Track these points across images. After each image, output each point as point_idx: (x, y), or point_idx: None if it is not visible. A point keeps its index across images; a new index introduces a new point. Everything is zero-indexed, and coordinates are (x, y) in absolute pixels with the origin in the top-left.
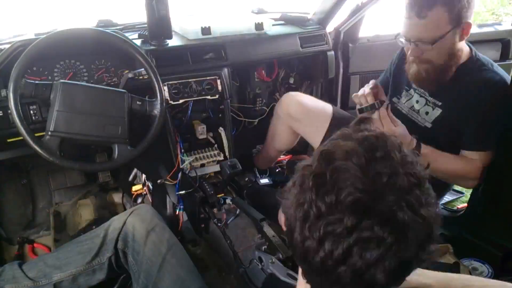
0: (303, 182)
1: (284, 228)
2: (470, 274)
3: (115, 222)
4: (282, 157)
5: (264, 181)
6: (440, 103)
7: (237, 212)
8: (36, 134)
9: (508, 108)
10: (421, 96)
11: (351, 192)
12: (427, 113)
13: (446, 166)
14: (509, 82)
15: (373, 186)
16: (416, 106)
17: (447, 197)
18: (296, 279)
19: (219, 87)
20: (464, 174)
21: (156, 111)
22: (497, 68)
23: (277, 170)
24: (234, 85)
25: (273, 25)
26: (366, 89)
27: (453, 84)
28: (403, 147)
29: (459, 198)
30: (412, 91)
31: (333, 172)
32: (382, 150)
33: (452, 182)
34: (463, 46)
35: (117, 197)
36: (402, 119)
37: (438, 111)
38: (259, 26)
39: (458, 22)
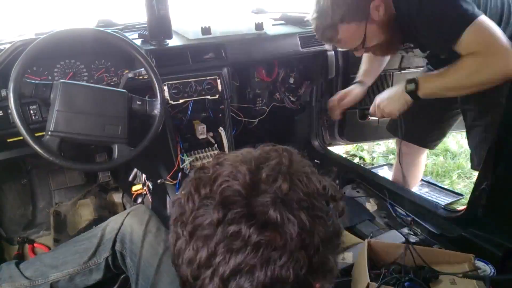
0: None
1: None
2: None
3: (112, 223)
4: None
5: None
6: (410, 45)
7: None
8: (36, 134)
9: None
10: (399, 54)
11: (225, 182)
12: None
13: (458, 74)
14: None
15: (250, 180)
16: (406, 62)
17: (447, 199)
18: None
19: (219, 87)
20: (481, 67)
21: (156, 111)
22: None
23: None
24: (234, 85)
25: (273, 25)
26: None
27: (403, 23)
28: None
29: (459, 200)
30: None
31: (216, 167)
32: (275, 158)
33: (487, 84)
34: (388, 7)
35: (117, 197)
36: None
37: (416, 51)
38: (259, 26)
39: (364, 13)
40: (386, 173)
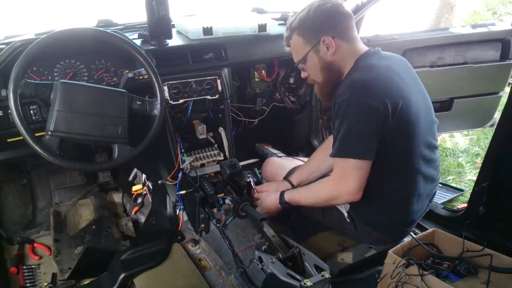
0: None
1: None
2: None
3: None
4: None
5: None
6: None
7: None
8: (36, 134)
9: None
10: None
11: None
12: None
13: (315, 194)
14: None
15: None
16: None
17: (447, 195)
18: (296, 279)
19: (219, 87)
20: (333, 191)
21: (156, 111)
22: (362, 70)
23: None
24: (234, 85)
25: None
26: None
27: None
28: None
29: (458, 196)
30: None
31: None
32: None
33: (331, 204)
34: (343, 62)
35: (117, 197)
36: None
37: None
38: (262, 27)
39: (315, 40)
40: None
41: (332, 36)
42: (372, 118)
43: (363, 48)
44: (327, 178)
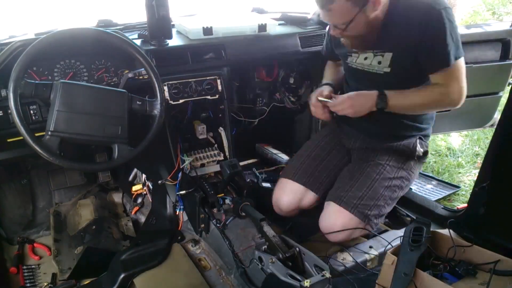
0: None
1: None
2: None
3: None
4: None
5: (266, 185)
6: (386, 48)
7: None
8: (36, 134)
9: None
10: (365, 52)
11: None
12: (379, 62)
13: (421, 98)
14: None
15: None
16: (367, 62)
17: (443, 192)
18: (296, 279)
19: (219, 87)
20: (443, 99)
21: (156, 111)
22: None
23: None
24: (234, 85)
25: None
26: (318, 111)
27: (387, 30)
28: None
29: (456, 192)
30: (354, 53)
31: None
32: None
33: (435, 110)
34: (384, 7)
35: (117, 197)
36: (361, 74)
37: (389, 55)
38: (262, 28)
39: (364, 2)
40: None
41: None
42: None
43: None
44: (436, 86)
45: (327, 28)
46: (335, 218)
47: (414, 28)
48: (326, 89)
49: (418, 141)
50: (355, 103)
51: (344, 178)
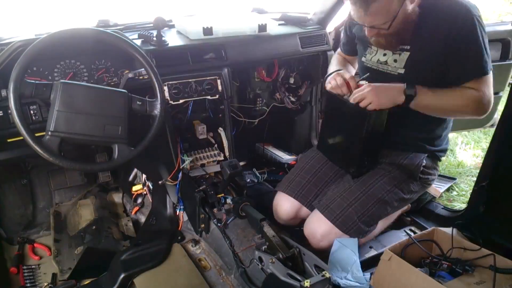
0: None
1: None
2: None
3: None
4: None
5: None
6: (407, 47)
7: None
8: (36, 134)
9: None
10: (385, 49)
11: None
12: (395, 60)
13: (453, 98)
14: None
15: None
16: (383, 58)
17: (441, 185)
18: (296, 279)
19: (219, 87)
20: (474, 103)
21: (156, 111)
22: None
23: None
24: (234, 85)
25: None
26: (339, 80)
27: (416, 27)
28: None
29: (453, 184)
30: (374, 47)
31: None
32: None
33: (460, 116)
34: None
35: (117, 197)
36: (373, 73)
37: (406, 55)
38: (262, 28)
39: None
40: None
41: None
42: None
43: None
44: (469, 89)
45: (343, 26)
46: (318, 226)
47: (444, 29)
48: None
49: (425, 159)
50: (379, 93)
51: (335, 187)
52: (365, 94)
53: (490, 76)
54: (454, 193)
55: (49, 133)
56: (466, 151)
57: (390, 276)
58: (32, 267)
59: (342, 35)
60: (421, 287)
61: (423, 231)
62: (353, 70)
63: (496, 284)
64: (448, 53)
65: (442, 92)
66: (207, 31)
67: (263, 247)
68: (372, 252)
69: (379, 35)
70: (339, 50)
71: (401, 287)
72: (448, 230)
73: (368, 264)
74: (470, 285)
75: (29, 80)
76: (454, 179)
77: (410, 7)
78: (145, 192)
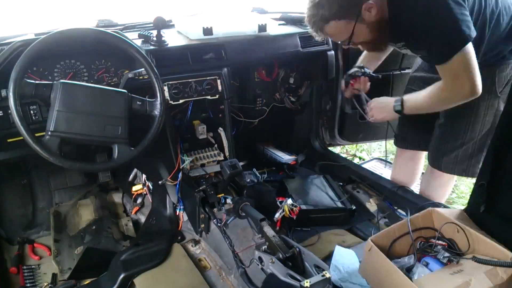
0: None
1: None
2: None
3: None
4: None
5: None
6: (402, 43)
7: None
8: (36, 134)
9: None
10: (397, 47)
11: None
12: (408, 53)
13: (428, 98)
14: None
15: None
16: (406, 62)
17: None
18: (296, 279)
19: (219, 87)
20: (446, 93)
21: (156, 111)
22: None
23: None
24: (234, 85)
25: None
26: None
27: (397, 22)
28: None
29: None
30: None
31: None
32: None
33: (454, 104)
34: (378, 9)
35: (117, 197)
36: None
37: (407, 50)
38: (262, 28)
39: (357, 12)
40: (372, 166)
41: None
42: None
43: None
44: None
45: None
46: None
47: (416, 15)
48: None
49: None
50: (376, 110)
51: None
52: (371, 113)
53: (458, 61)
54: (454, 195)
55: (49, 133)
56: None
57: (372, 266)
58: (32, 267)
59: None
60: (395, 282)
61: (420, 212)
62: (376, 64)
63: (481, 277)
64: (424, 37)
65: (423, 93)
66: (207, 31)
67: (263, 247)
68: None
69: (355, 46)
70: None
71: (381, 279)
72: (447, 211)
73: None
74: (444, 277)
75: (29, 80)
76: None
77: (371, 16)
78: (145, 192)
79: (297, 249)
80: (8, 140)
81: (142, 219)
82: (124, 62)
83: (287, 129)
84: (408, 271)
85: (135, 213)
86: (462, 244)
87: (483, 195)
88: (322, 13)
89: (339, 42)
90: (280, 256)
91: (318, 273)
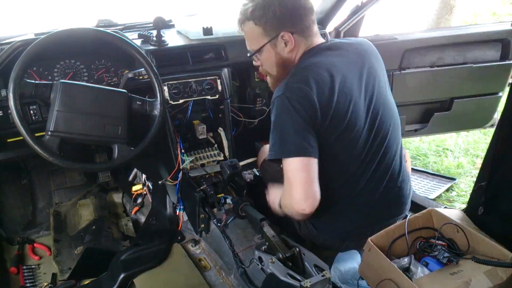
0: None
1: None
2: None
3: None
4: None
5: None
6: None
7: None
8: (36, 134)
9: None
10: None
11: None
12: None
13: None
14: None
15: None
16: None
17: (441, 185)
18: (296, 279)
19: (219, 87)
20: (288, 200)
21: (156, 111)
22: (297, 75)
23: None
24: (234, 85)
25: None
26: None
27: None
28: None
29: (452, 185)
30: None
31: None
32: None
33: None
34: (297, 58)
35: (117, 197)
36: None
37: None
38: None
39: (274, 34)
40: None
41: (291, 32)
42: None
43: (318, 42)
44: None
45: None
46: None
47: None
48: None
49: None
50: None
51: None
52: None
53: (306, 162)
54: (454, 193)
55: (49, 133)
56: (466, 151)
57: (372, 267)
58: (32, 267)
59: None
60: (395, 281)
61: (419, 213)
62: None
63: (480, 277)
64: None
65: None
66: (207, 31)
67: (263, 247)
68: None
69: (264, 72)
70: None
71: (380, 279)
72: (448, 211)
73: None
74: (443, 278)
75: (29, 80)
76: (454, 179)
77: (283, 49)
78: (145, 192)
79: (297, 249)
80: (8, 140)
81: (142, 219)
82: (124, 62)
83: None
84: (408, 271)
85: (135, 213)
86: (462, 244)
87: (482, 196)
88: (253, 7)
89: (248, 53)
90: (280, 256)
91: (318, 273)
